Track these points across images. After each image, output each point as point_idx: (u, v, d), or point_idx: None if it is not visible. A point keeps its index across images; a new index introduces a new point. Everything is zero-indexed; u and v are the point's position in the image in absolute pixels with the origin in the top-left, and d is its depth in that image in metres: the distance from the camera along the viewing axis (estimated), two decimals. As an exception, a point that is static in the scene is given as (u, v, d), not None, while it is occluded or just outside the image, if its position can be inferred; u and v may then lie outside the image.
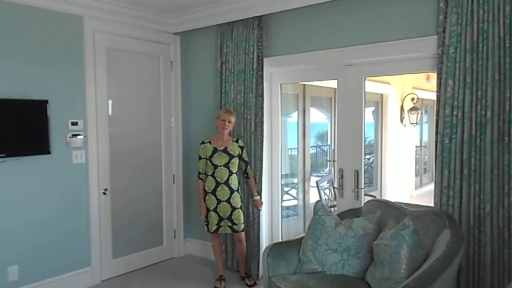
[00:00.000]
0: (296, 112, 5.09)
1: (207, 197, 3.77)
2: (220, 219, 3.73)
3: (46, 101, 3.44)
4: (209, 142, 3.80)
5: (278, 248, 2.93)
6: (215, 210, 3.73)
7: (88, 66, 3.75)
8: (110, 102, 3.96)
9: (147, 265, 4.34)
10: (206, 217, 3.78)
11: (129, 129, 4.17)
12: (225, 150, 3.73)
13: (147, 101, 4.32)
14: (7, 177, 3.32)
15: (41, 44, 3.47)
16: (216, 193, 3.72)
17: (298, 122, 5.11)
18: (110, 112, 3.97)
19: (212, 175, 3.74)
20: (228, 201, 3.72)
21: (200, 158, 3.83)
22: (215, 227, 3.75)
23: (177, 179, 4.58)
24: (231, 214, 3.72)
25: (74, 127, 3.67)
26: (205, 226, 3.82)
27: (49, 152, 3.49)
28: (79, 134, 3.69)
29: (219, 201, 3.72)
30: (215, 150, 3.74)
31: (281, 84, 4.05)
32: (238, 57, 3.96)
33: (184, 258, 4.61)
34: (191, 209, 4.64)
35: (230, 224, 3.74)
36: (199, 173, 3.85)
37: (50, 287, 3.57)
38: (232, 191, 3.73)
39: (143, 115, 4.28)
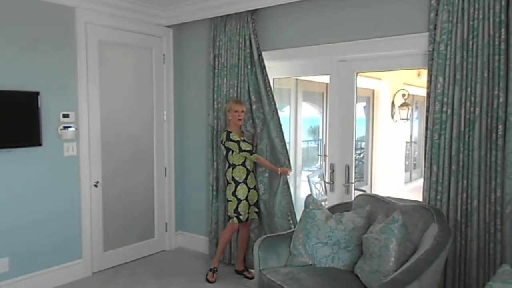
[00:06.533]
0: (289, 107, 5.11)
1: (239, 187, 3.71)
2: (249, 206, 3.78)
3: (38, 93, 3.42)
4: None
5: (269, 241, 2.96)
6: (246, 199, 3.74)
7: (80, 58, 3.73)
8: (101, 95, 3.94)
9: (138, 257, 4.35)
10: (236, 209, 3.71)
11: (121, 122, 4.15)
12: (245, 141, 3.72)
13: (139, 94, 4.30)
14: (-2, 169, 3.31)
15: (33, 36, 3.44)
16: (247, 181, 3.74)
17: (290, 117, 5.13)
18: (101, 105, 3.94)
19: (243, 164, 3.72)
20: (255, 188, 3.81)
21: (238, 141, 3.61)
22: (247, 215, 3.78)
23: (169, 172, 4.59)
24: (257, 201, 3.83)
25: (66, 119, 3.66)
26: (235, 219, 3.71)
27: (40, 144, 3.47)
28: (70, 127, 3.68)
29: (249, 189, 3.76)
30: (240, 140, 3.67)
31: (273, 79, 4.06)
32: (231, 51, 3.96)
33: (175, 251, 4.63)
34: (184, 202, 4.65)
35: (256, 209, 3.84)
36: (250, 150, 3.64)
37: (41, 279, 3.57)
38: (256, 179, 3.84)
39: (135, 109, 4.26)
